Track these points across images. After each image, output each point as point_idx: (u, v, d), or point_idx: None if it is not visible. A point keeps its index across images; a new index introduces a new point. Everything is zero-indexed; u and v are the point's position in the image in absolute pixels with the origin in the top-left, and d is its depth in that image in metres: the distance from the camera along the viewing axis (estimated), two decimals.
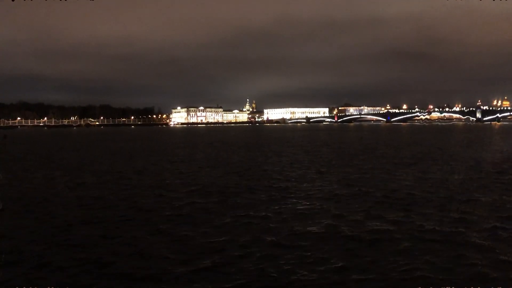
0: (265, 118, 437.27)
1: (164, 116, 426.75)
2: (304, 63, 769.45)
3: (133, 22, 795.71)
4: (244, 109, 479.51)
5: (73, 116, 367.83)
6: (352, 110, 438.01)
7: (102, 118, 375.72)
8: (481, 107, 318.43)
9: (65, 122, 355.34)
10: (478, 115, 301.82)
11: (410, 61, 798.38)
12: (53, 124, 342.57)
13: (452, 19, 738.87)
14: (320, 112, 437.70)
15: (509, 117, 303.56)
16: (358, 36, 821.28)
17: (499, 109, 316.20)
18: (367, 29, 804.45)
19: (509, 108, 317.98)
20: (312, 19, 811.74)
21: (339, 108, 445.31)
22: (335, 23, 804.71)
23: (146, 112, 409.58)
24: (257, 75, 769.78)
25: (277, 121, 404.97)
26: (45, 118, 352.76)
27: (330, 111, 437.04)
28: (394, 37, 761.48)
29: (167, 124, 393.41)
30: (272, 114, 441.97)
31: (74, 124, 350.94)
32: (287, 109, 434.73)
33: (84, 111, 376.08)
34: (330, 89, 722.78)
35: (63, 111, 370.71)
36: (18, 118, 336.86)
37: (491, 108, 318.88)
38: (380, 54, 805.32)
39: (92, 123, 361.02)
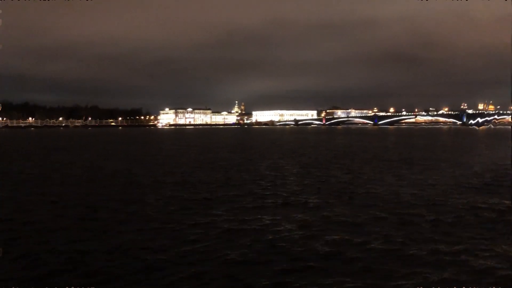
0: (253, 120, 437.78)
1: (152, 117, 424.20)
2: (293, 65, 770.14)
3: (121, 22, 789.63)
4: (233, 111, 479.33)
5: (61, 117, 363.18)
6: (340, 113, 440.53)
7: (90, 118, 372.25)
8: (467, 110, 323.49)
9: (51, 122, 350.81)
10: (464, 118, 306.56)
11: (399, 64, 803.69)
12: (39, 124, 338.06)
13: (443, 22, 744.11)
14: (309, 115, 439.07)
15: (494, 120, 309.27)
16: (348, 39, 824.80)
17: (484, 113, 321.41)
18: (357, 32, 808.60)
19: (493, 112, 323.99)
20: (303, 21, 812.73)
21: (327, 111, 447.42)
22: (325, 25, 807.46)
23: (133, 113, 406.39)
24: (246, 77, 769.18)
25: (265, 123, 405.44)
26: (30, 119, 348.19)
27: (318, 114, 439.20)
28: (385, 39, 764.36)
29: (155, 125, 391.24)
30: (261, 116, 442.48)
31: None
32: (275, 111, 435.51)
33: (71, 112, 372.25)
34: (319, 92, 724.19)
35: (50, 111, 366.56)
36: (4, 119, 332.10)
37: (476, 112, 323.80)
38: (369, 57, 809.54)
39: (78, 124, 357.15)
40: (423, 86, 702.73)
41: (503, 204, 20.20)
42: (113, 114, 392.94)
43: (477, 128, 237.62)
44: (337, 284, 10.79)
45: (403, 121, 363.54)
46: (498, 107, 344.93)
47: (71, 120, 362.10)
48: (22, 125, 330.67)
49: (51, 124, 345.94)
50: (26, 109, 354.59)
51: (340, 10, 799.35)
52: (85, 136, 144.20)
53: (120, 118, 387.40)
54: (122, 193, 24.21)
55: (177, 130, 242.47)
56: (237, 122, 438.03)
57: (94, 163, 42.90)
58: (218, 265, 12.12)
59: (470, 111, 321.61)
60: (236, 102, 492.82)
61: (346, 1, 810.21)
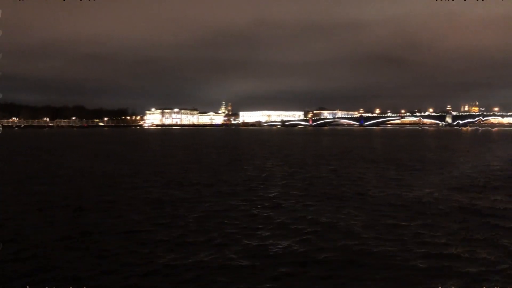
0: (240, 121, 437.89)
1: (138, 117, 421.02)
2: (280, 66, 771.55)
3: (108, 21, 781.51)
4: (220, 112, 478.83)
5: (46, 117, 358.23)
6: (326, 114, 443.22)
7: (76, 119, 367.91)
8: (452, 112, 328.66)
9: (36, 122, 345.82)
10: (449, 120, 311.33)
11: (386, 66, 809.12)
12: (25, 123, 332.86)
13: (429, 24, 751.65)
14: (295, 116, 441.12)
15: (477, 121, 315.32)
16: (335, 40, 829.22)
17: (468, 114, 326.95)
18: (345, 33, 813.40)
19: (478, 113, 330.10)
20: (290, 22, 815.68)
21: (314, 111, 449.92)
22: (313, 26, 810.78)
23: (119, 113, 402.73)
24: (233, 77, 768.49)
25: (253, 124, 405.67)
26: (14, 118, 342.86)
27: (305, 115, 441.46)
28: (371, 41, 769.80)
29: (141, 125, 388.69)
30: (248, 116, 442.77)
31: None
32: (263, 112, 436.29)
33: (57, 112, 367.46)
34: (306, 93, 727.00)
35: (35, 111, 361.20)
36: None
37: (461, 114, 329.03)
38: (356, 58, 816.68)
39: (64, 124, 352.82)
40: (408, 87, 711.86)
41: (493, 204, 20.51)
42: (99, 114, 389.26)
43: (461, 129, 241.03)
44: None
45: (388, 122, 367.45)
46: (483, 108, 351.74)
47: (57, 120, 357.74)
48: (12, 125, 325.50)
49: (35, 124, 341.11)
50: (10, 109, 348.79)
51: (327, 12, 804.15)
52: (70, 136, 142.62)
53: (106, 118, 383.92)
54: (109, 194, 23.99)
55: (164, 131, 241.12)
56: (224, 122, 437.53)
57: (81, 164, 42.46)
58: (207, 270, 12.10)
59: (454, 113, 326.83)
60: (223, 102, 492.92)
61: (333, 3, 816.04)
